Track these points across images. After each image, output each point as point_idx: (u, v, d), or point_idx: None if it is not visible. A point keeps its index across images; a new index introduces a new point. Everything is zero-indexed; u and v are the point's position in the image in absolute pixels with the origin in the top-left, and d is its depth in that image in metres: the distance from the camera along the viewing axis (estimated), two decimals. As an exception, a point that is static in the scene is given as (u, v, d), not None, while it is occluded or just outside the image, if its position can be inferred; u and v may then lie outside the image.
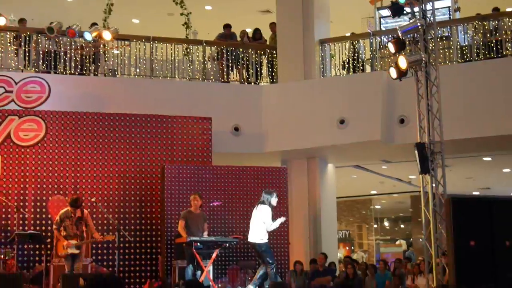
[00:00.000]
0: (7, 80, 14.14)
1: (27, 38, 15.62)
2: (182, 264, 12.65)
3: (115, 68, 16.40)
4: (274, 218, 11.89)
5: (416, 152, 12.25)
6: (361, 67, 17.08)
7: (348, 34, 17.92)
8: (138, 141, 14.65)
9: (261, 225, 11.93)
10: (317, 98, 16.24)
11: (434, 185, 12.39)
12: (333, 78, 17.11)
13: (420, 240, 17.11)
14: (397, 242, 29.43)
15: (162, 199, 14.20)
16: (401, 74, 12.65)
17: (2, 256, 12.36)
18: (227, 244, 12.39)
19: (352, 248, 28.93)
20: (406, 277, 15.98)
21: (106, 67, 16.38)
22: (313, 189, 16.97)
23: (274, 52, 17.32)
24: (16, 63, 15.62)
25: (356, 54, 17.02)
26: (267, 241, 11.94)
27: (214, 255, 12.15)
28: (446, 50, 16.31)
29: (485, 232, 11.11)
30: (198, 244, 12.01)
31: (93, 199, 13.33)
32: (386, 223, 30.92)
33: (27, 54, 15.61)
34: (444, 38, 16.52)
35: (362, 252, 27.53)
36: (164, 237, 13.85)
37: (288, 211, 14.84)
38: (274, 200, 12.03)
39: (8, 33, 15.69)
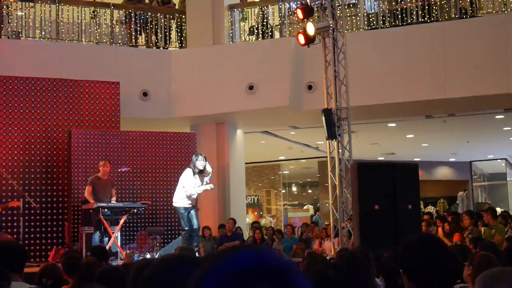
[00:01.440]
0: None
1: None
2: (89, 231, 12.52)
3: (19, 30, 15.93)
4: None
5: (323, 118, 12.45)
6: (270, 33, 17.13)
7: (257, 0, 17.93)
8: (44, 105, 14.31)
9: (180, 188, 11.99)
10: (226, 64, 16.23)
11: (340, 150, 12.64)
12: (242, 44, 17.12)
13: (327, 204, 17.44)
14: (305, 207, 29.91)
15: (68, 164, 13.97)
16: (309, 40, 12.78)
17: None
18: (135, 210, 12.35)
19: (261, 213, 29.25)
20: (313, 241, 16.32)
21: (9, 29, 15.89)
22: (222, 155, 17.04)
23: (183, 16, 17.17)
24: None
25: (265, 20, 17.05)
26: (182, 205, 11.95)
27: (122, 221, 12.10)
28: (353, 17, 16.54)
29: (389, 196, 11.45)
30: (106, 210, 11.93)
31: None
32: (294, 188, 31.35)
33: None
34: (351, 5, 16.76)
35: (270, 217, 27.86)
36: (71, 203, 13.65)
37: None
38: (199, 164, 12.00)
39: None
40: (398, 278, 5.90)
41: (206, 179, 12.20)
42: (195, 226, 12.12)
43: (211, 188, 12.44)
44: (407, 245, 3.43)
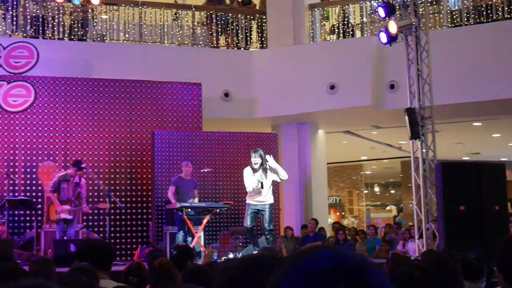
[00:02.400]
0: (-6, 45, 14.00)
1: (14, 3, 15.43)
2: (173, 230, 12.68)
3: (104, 33, 16.26)
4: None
5: (406, 117, 12.26)
6: (351, 32, 16.98)
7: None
8: (128, 106, 14.59)
9: None
10: (307, 64, 16.17)
11: (424, 150, 12.42)
12: (323, 43, 17.02)
13: (410, 205, 17.17)
14: (387, 208, 29.57)
15: (152, 165, 14.18)
16: (391, 39, 12.61)
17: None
18: (218, 210, 12.41)
19: (343, 213, 29.06)
20: (397, 242, 16.09)
21: (94, 32, 16.24)
22: (304, 155, 16.98)
23: (264, 16, 17.19)
24: (4, 28, 15.44)
25: (346, 19, 16.91)
26: (248, 202, 11.95)
27: (205, 221, 12.17)
28: (436, 14, 16.24)
29: (474, 196, 11.19)
30: (189, 210, 12.04)
31: (83, 165, 13.28)
32: (376, 189, 31.04)
33: (14, 18, 15.43)
34: (434, 2, 16.44)
35: (353, 218, 27.65)
36: (154, 203, 13.86)
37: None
38: (252, 160, 11.87)
39: (-5, -3, 15.50)
40: (484, 279, 5.76)
41: (276, 176, 11.90)
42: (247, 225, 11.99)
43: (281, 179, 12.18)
44: (507, 244, 3.32)
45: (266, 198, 11.84)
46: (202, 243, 12.33)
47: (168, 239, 12.84)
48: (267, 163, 11.78)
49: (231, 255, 12.05)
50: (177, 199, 12.28)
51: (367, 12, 16.73)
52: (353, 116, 16.78)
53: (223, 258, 11.79)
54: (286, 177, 12.10)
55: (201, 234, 12.35)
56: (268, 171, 11.82)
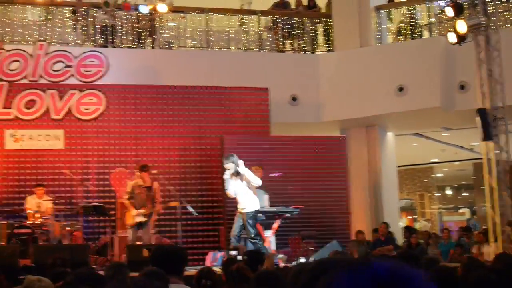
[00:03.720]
0: (66, 55, 14.29)
1: (84, 13, 15.75)
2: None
3: (171, 41, 16.45)
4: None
5: (478, 118, 12.03)
6: (419, 33, 16.76)
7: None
8: (197, 112, 14.72)
9: None
10: (374, 66, 16.03)
11: (497, 152, 12.15)
12: (390, 45, 16.85)
13: (484, 208, 16.84)
14: (460, 211, 29.07)
15: (222, 169, 14.23)
16: (460, 38, 12.40)
17: (68, 228, 12.62)
18: (288, 215, 12.38)
19: (415, 217, 28.68)
20: (471, 246, 15.76)
21: (162, 39, 16.43)
22: (373, 158, 16.82)
23: (330, 20, 17.12)
24: (75, 38, 15.77)
25: (413, 20, 16.71)
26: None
27: (275, 226, 12.16)
28: (506, 12, 15.89)
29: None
30: (260, 215, 12.04)
31: (154, 171, 13.45)
32: (448, 191, 30.54)
33: (84, 28, 15.74)
34: (504, 0, 16.09)
35: (425, 221, 27.26)
36: (225, 208, 13.92)
37: (348, 181, 14.79)
38: (225, 166, 11.61)
39: (66, 8, 15.85)
40: None
41: (247, 183, 11.55)
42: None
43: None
44: None
45: (244, 205, 11.56)
46: (273, 247, 12.32)
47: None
48: (237, 168, 11.44)
49: (302, 260, 11.99)
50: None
51: (434, 12, 16.49)
52: (422, 117, 16.54)
53: (294, 263, 11.74)
54: (258, 183, 11.74)
55: (272, 238, 12.34)
56: (241, 177, 11.49)
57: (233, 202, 13.41)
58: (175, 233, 13.36)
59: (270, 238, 12.12)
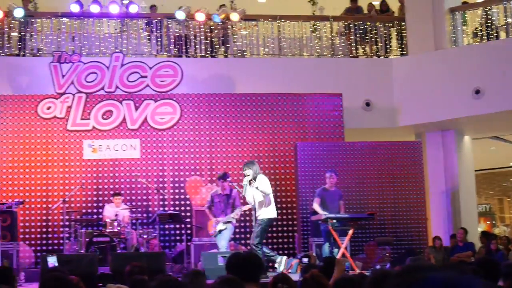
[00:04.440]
0: (141, 65, 14.54)
1: (158, 24, 16.00)
2: (319, 242, 12.67)
3: (244, 49, 16.54)
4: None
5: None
6: (495, 34, 16.39)
7: (480, 0, 17.24)
8: (270, 120, 14.77)
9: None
10: (450, 69, 15.76)
11: None
12: (466, 47, 16.52)
13: None
14: (542, 216, 28.29)
15: (295, 177, 14.25)
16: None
17: (145, 236, 12.81)
18: (363, 221, 12.28)
19: (493, 222, 28.03)
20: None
21: (235, 48, 16.54)
22: (450, 163, 16.51)
23: (403, 23, 16.92)
24: (149, 49, 16.03)
25: (489, 21, 16.36)
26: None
27: (350, 232, 12.08)
28: None
29: None
30: (334, 221, 11.98)
31: (228, 179, 13.52)
32: (529, 196, 29.76)
33: (159, 39, 15.98)
34: None
35: (504, 227, 26.62)
36: (299, 215, 13.91)
37: (424, 186, 14.59)
38: (245, 173, 11.60)
39: (140, 20, 16.13)
40: None
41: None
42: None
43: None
44: None
45: (258, 212, 11.46)
46: (349, 254, 12.24)
47: (314, 250, 12.85)
48: (255, 175, 11.37)
49: (377, 266, 11.86)
50: (323, 210, 12.25)
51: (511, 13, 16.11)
52: (500, 120, 16.17)
53: (370, 270, 11.62)
54: (266, 193, 11.53)
55: (347, 245, 12.26)
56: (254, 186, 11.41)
57: (309, 209, 13.43)
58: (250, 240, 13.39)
59: (345, 244, 12.01)
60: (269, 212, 11.41)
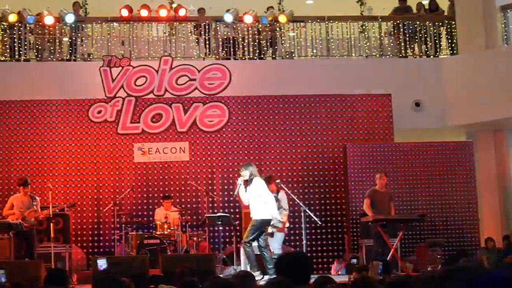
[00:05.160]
0: (190, 69, 14.64)
1: (207, 27, 16.07)
2: (368, 243, 12.58)
3: (292, 50, 16.52)
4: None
5: None
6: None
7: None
8: (319, 121, 14.73)
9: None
10: (502, 68, 15.50)
11: None
12: (518, 45, 16.24)
13: None
14: None
15: (345, 178, 14.18)
16: None
17: (195, 239, 12.88)
18: (414, 222, 12.16)
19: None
20: None
21: (283, 49, 16.53)
22: (502, 163, 16.22)
23: (453, 22, 16.71)
24: (198, 52, 16.12)
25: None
26: None
27: (400, 234, 11.97)
28: None
29: None
30: (384, 222, 11.89)
31: (277, 181, 13.51)
32: None
33: (207, 42, 16.06)
34: None
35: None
36: (349, 216, 13.84)
37: (475, 187, 14.38)
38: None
39: (189, 23, 16.23)
40: None
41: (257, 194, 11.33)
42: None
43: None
44: None
45: (252, 213, 11.27)
46: (399, 256, 12.13)
47: (364, 252, 12.77)
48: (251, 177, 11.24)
49: (429, 268, 11.73)
50: (373, 211, 12.17)
51: None
52: (554, 120, 15.86)
53: (421, 271, 11.50)
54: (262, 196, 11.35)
55: (398, 246, 12.15)
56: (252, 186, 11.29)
57: (358, 210, 13.36)
58: (300, 242, 13.39)
59: (395, 246, 11.91)
60: (261, 213, 11.25)
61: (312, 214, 12.91)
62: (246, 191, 11.21)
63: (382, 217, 11.99)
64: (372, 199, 12.40)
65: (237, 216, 13.89)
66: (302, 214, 12.55)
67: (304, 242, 12.59)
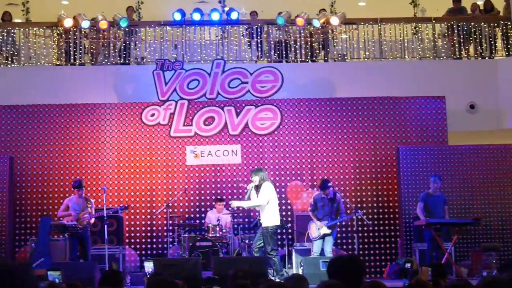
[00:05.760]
0: (242, 71, 14.67)
1: (259, 30, 16.09)
2: (422, 247, 12.44)
3: (344, 53, 16.43)
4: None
5: None
6: None
7: None
8: (371, 124, 14.62)
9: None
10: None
11: None
12: None
13: None
14: None
15: (398, 181, 14.05)
16: None
17: (246, 241, 12.90)
18: (468, 226, 11.98)
19: None
20: None
21: (335, 52, 16.46)
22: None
23: (509, 23, 16.42)
24: (250, 55, 16.15)
25: None
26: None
27: (455, 237, 11.81)
28: None
29: None
30: (438, 226, 11.75)
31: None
32: None
33: (259, 45, 16.08)
34: None
35: None
36: (401, 220, 13.70)
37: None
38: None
39: (241, 26, 16.27)
40: None
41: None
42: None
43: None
44: None
45: (262, 219, 11.70)
46: (453, 260, 11.97)
47: (418, 256, 12.63)
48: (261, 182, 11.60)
49: (484, 273, 11.54)
50: (426, 215, 12.03)
51: None
52: None
53: (477, 277, 11.34)
54: (260, 203, 11.73)
55: (452, 250, 11.99)
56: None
57: (412, 214, 13.23)
58: (352, 245, 13.32)
59: (449, 250, 11.75)
60: (271, 219, 11.57)
61: (364, 217, 12.84)
62: (257, 196, 11.55)
63: (436, 220, 11.84)
64: (426, 203, 12.27)
65: (289, 219, 13.88)
66: (354, 217, 12.48)
67: (356, 245, 12.52)
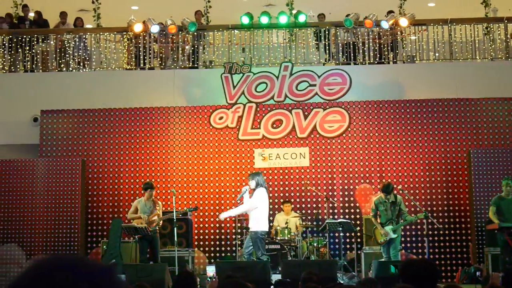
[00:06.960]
0: (310, 74, 14.63)
1: (326, 32, 16.03)
2: (494, 252, 12.18)
3: (414, 54, 16.23)
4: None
5: None
6: None
7: None
8: (442, 126, 14.39)
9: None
10: None
11: None
12: None
13: None
14: None
15: (469, 184, 13.79)
16: None
17: (315, 244, 12.84)
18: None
19: None
20: None
21: (404, 53, 16.28)
22: None
23: None
24: (318, 58, 16.10)
25: None
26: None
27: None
28: None
29: None
30: (511, 230, 11.49)
31: (399, 187, 13.33)
32: None
33: (327, 48, 16.02)
34: None
35: None
36: (473, 224, 13.44)
37: None
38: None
39: (308, 29, 16.23)
40: None
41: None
42: None
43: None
44: None
45: (250, 224, 11.63)
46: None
47: (490, 260, 12.37)
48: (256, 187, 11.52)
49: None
50: (499, 219, 11.77)
51: None
52: None
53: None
54: (250, 208, 11.62)
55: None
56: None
57: (483, 217, 12.97)
58: (422, 250, 13.13)
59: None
60: (259, 225, 11.49)
61: (434, 221, 12.65)
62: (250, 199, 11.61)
63: (510, 225, 11.57)
64: (498, 206, 12.01)
65: (358, 222, 13.77)
66: (425, 220, 12.30)
67: (426, 249, 12.34)
